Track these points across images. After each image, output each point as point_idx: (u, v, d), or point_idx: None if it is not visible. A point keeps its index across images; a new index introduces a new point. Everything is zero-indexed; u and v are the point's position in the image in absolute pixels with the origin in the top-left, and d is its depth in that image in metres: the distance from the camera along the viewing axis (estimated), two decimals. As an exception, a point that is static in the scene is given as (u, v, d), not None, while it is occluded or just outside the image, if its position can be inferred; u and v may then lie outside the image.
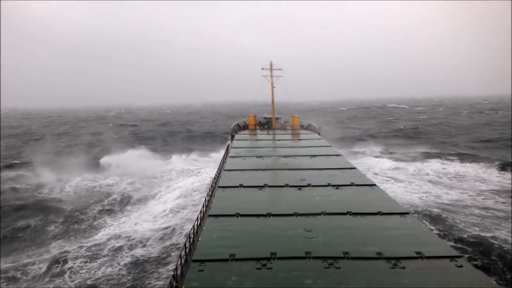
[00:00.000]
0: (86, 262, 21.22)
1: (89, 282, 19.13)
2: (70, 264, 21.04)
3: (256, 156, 26.98)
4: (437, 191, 32.04)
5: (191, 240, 12.61)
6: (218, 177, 22.15)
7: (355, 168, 22.96)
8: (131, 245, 23.11)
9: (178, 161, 49.91)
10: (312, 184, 18.72)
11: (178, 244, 22.43)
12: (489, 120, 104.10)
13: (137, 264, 20.64)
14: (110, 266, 20.62)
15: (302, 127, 45.65)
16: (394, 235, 12.42)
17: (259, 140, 37.89)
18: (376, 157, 49.33)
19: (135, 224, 27.07)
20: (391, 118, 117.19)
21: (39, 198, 35.14)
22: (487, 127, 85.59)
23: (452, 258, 10.64)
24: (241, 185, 18.88)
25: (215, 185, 20.07)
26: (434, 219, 24.85)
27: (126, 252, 22.14)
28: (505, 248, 19.97)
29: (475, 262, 18.71)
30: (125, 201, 33.18)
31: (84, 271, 20.36)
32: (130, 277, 19.31)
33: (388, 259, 10.66)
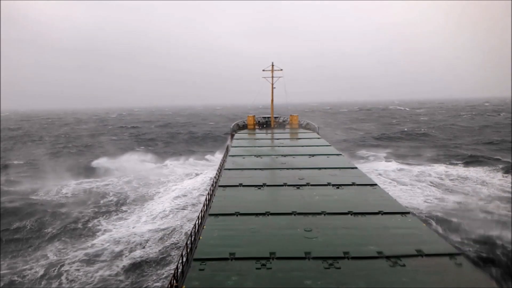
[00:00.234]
0: (83, 266, 20.82)
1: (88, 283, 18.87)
2: (66, 267, 20.65)
3: (255, 155, 26.96)
4: (441, 195, 31.59)
5: (192, 239, 12.58)
6: (218, 176, 22.17)
7: (356, 167, 22.73)
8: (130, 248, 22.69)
9: (177, 163, 49.56)
10: (311, 184, 18.70)
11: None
12: (492, 122, 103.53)
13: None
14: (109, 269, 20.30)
15: (300, 126, 46.40)
16: (395, 234, 12.39)
17: (258, 139, 38.03)
18: (381, 160, 48.81)
19: (133, 228, 26.61)
20: (394, 121, 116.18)
21: (36, 201, 34.63)
22: (489, 129, 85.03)
23: (452, 256, 10.67)
24: (240, 184, 18.94)
25: (215, 184, 20.10)
26: (440, 221, 24.57)
27: (121, 259, 21.60)
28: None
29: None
30: (120, 203, 32.81)
31: (81, 273, 20.05)
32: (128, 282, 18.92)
33: (389, 257, 10.63)
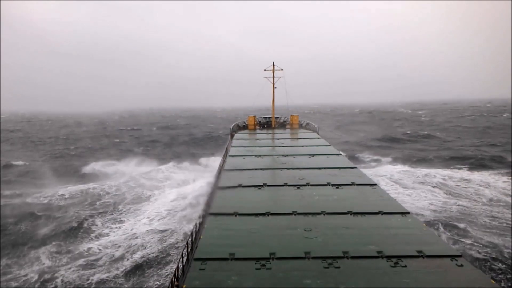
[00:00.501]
0: (80, 270, 20.50)
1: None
2: (62, 272, 20.29)
3: (256, 156, 26.91)
4: (445, 199, 31.04)
5: (193, 238, 12.65)
6: (218, 176, 22.21)
7: (355, 167, 22.75)
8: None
9: (175, 167, 49.14)
10: (311, 183, 18.69)
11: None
12: (495, 123, 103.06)
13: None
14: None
15: (300, 126, 46.30)
16: (395, 234, 12.39)
17: (258, 139, 38.16)
18: (384, 164, 48.13)
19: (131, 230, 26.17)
20: (396, 123, 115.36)
21: (32, 203, 34.21)
22: (492, 130, 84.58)
23: (452, 257, 10.65)
24: (240, 185, 18.94)
25: (215, 185, 20.18)
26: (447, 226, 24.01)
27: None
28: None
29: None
30: (117, 206, 32.23)
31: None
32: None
33: (389, 257, 10.63)
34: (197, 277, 9.88)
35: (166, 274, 19.49)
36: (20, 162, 56.07)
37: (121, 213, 30.28)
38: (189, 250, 11.88)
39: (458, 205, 29.08)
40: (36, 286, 19.31)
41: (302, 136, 38.65)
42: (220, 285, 9.52)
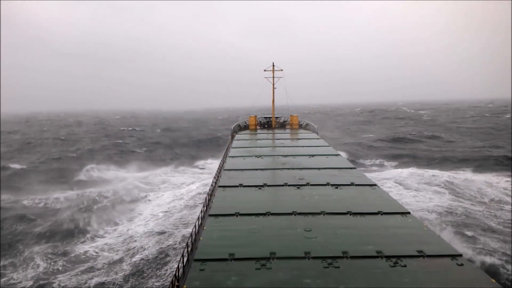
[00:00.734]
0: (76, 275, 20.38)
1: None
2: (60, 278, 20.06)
3: (256, 156, 27.15)
4: (451, 201, 30.46)
5: (193, 239, 12.64)
6: (218, 176, 22.34)
7: (354, 168, 22.87)
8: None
9: (173, 170, 48.97)
10: (311, 184, 18.71)
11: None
12: (499, 123, 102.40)
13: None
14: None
15: (300, 126, 47.21)
16: (395, 234, 12.34)
17: (258, 139, 38.61)
18: (388, 168, 47.34)
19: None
20: (399, 124, 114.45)
21: (28, 206, 33.86)
22: (495, 130, 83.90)
23: (453, 256, 10.58)
24: (241, 185, 18.96)
25: (215, 185, 20.19)
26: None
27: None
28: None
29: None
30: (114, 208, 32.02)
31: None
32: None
33: (388, 257, 10.58)
34: (197, 277, 9.91)
35: (167, 274, 19.82)
36: (17, 165, 55.33)
37: (118, 216, 30.24)
38: (189, 250, 11.87)
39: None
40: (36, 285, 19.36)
41: (302, 136, 39.00)
42: (220, 285, 9.52)
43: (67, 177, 45.64)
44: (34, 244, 25.18)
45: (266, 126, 48.17)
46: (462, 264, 10.19)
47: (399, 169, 43.61)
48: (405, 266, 10.11)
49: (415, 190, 33.80)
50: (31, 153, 70.25)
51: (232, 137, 41.09)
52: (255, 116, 48.30)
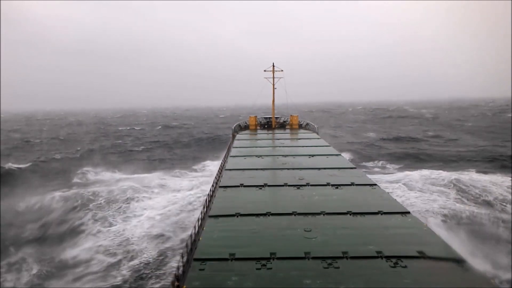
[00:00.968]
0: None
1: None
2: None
3: (256, 156, 27.08)
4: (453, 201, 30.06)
5: (193, 239, 12.62)
6: (219, 176, 22.29)
7: (355, 167, 22.74)
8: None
9: (174, 172, 47.95)
10: (311, 184, 18.65)
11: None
12: (501, 122, 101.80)
13: None
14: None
15: (300, 126, 47.22)
16: (395, 234, 12.28)
17: (259, 139, 38.59)
18: (391, 169, 46.25)
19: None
20: (402, 123, 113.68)
21: (24, 206, 33.53)
22: (499, 128, 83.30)
23: (453, 257, 10.55)
24: (241, 185, 18.93)
25: (216, 185, 20.15)
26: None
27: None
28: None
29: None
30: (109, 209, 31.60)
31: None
32: None
33: (389, 258, 10.51)
34: (197, 277, 9.84)
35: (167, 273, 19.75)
36: (16, 165, 54.89)
37: (113, 216, 29.90)
38: (189, 250, 11.81)
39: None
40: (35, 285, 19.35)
41: (302, 136, 38.95)
42: (220, 285, 9.47)
43: (63, 178, 45.07)
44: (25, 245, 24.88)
45: (266, 126, 48.19)
46: (462, 265, 10.11)
47: (406, 172, 41.74)
48: (405, 266, 10.02)
49: (414, 190, 33.13)
50: (30, 153, 69.84)
51: (233, 136, 41.19)
52: (255, 116, 48.34)
